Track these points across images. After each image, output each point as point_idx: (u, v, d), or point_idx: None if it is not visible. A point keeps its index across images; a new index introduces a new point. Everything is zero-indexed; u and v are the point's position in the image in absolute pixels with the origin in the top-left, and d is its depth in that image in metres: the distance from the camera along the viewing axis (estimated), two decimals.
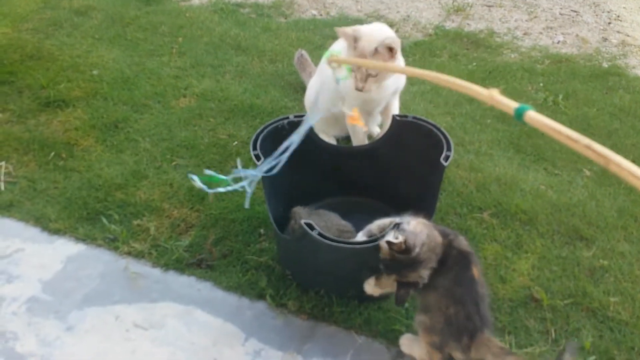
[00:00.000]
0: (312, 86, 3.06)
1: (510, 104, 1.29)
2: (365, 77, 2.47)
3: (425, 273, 1.82)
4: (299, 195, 2.47)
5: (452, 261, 1.86)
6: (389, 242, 1.77)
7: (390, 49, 2.45)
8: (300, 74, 3.52)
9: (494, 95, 1.36)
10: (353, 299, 2.24)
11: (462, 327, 1.81)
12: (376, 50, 2.43)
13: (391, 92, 2.74)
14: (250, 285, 2.31)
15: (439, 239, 1.86)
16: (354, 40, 2.45)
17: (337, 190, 2.64)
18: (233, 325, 2.18)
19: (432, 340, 1.89)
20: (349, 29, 2.47)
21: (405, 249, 1.76)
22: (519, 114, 1.24)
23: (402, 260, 1.79)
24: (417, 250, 1.77)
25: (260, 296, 2.27)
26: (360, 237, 2.16)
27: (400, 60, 2.65)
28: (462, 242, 1.91)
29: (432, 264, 1.83)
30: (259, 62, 3.92)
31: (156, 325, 2.18)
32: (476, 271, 1.86)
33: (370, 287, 2.04)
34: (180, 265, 2.40)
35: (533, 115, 1.21)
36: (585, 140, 1.08)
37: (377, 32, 2.50)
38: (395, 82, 2.72)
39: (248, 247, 2.47)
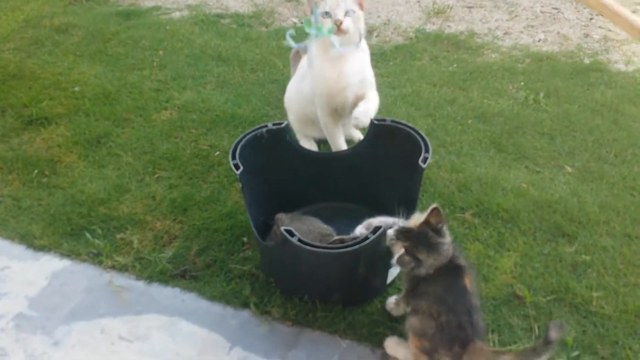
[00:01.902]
0: (291, 87, 3.08)
1: None
2: (344, 13, 2.56)
3: (429, 260, 1.86)
4: (282, 202, 2.49)
5: (444, 270, 1.89)
6: (436, 209, 1.85)
7: None
8: (292, 69, 3.47)
9: None
10: (337, 304, 2.25)
11: (454, 336, 1.82)
12: None
13: (358, 80, 2.71)
14: (234, 294, 2.32)
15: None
16: None
17: (320, 197, 2.66)
18: (218, 334, 2.18)
19: (421, 345, 1.89)
20: None
21: (441, 220, 1.86)
22: None
23: (426, 234, 1.86)
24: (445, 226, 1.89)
25: (245, 304, 2.28)
26: (359, 229, 2.17)
27: (364, 45, 2.77)
28: (459, 256, 1.94)
29: (436, 259, 1.87)
30: (240, 72, 3.93)
31: (141, 337, 2.18)
32: (468, 282, 1.87)
33: (392, 305, 2.17)
34: (164, 277, 2.40)
35: None
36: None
37: None
38: (362, 71, 2.73)
39: (231, 256, 2.48)
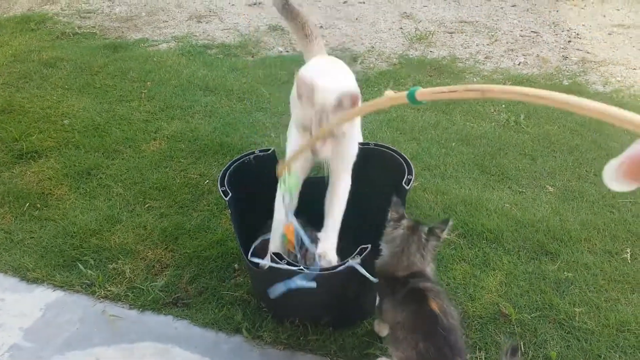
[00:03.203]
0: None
1: (403, 94, 1.39)
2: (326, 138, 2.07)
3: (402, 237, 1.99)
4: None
5: (408, 296, 1.93)
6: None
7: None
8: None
9: (389, 95, 1.48)
10: (327, 327, 2.29)
11: None
12: (339, 103, 2.00)
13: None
14: (227, 320, 2.35)
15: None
16: (311, 91, 2.02)
17: (307, 221, 2.69)
18: None
19: None
20: (307, 78, 2.03)
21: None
22: (412, 97, 1.34)
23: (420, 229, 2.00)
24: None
25: (237, 330, 2.32)
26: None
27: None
28: (420, 280, 1.97)
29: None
30: (227, 101, 4.00)
31: None
32: (435, 305, 1.88)
33: (377, 326, 2.24)
34: (157, 305, 2.44)
35: (422, 91, 1.32)
36: (467, 86, 1.19)
37: (335, 83, 2.13)
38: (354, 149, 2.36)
39: (223, 282, 2.52)
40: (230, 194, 2.29)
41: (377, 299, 2.23)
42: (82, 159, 3.37)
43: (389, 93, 1.51)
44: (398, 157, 2.45)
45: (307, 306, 2.31)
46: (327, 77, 2.19)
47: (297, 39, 2.99)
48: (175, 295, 2.47)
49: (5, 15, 5.69)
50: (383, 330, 2.22)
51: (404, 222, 2.01)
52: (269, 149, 2.55)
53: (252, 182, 2.45)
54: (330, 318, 2.29)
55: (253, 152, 2.53)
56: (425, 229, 1.99)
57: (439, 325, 1.82)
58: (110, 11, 5.86)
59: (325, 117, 2.01)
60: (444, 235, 2.01)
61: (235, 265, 2.59)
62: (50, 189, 3.14)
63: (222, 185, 2.33)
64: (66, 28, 5.39)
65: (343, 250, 2.21)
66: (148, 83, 4.25)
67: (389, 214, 2.04)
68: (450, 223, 2.00)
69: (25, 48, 4.89)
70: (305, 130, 2.08)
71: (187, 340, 2.30)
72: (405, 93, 1.36)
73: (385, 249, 2.04)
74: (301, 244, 2.17)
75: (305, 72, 2.19)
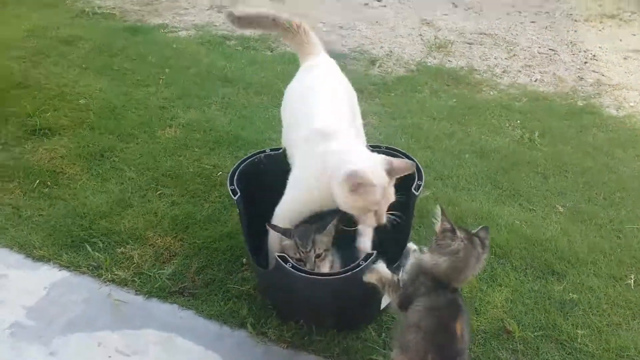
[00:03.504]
0: None
1: None
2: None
3: (459, 251, 1.91)
4: None
5: (444, 307, 1.89)
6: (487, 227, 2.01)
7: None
8: None
9: None
10: (332, 328, 2.29)
11: None
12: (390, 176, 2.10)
13: None
14: (232, 314, 2.36)
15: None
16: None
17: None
18: (214, 352, 2.22)
19: None
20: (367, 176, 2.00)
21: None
22: None
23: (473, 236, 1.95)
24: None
25: (242, 324, 2.32)
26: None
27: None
28: (460, 296, 1.96)
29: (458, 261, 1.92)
30: (244, 94, 4.01)
31: (138, 352, 2.22)
32: (459, 326, 1.87)
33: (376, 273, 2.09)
34: (163, 293, 2.44)
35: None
36: None
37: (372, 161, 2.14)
38: None
39: (230, 276, 2.53)
40: (239, 194, 2.29)
41: (385, 302, 2.23)
42: (96, 140, 3.37)
43: None
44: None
45: (312, 308, 2.32)
46: (367, 162, 2.12)
47: (284, 40, 2.85)
48: (182, 285, 2.48)
49: None
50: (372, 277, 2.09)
51: (460, 234, 1.93)
52: (280, 148, 2.55)
53: (262, 179, 2.45)
54: (334, 321, 2.29)
55: (264, 151, 2.53)
56: (478, 242, 1.95)
57: (454, 346, 1.82)
58: None
59: (387, 194, 2.08)
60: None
61: (244, 260, 2.60)
62: (62, 168, 3.14)
63: (232, 183, 2.33)
64: (86, 7, 5.39)
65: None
66: (166, 69, 4.26)
67: (441, 225, 1.96)
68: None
69: (43, 24, 4.89)
70: (365, 212, 2.10)
71: (191, 330, 2.30)
72: None
73: (440, 258, 1.92)
74: (306, 245, 2.17)
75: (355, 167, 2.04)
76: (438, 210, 1.97)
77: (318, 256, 2.15)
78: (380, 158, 2.13)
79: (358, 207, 2.08)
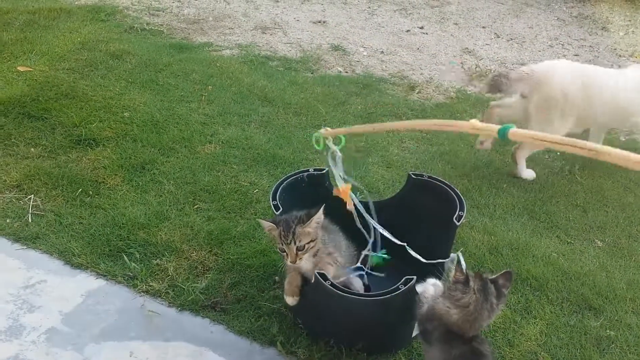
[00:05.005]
0: None
1: (492, 127, 1.43)
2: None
3: (471, 306, 1.86)
4: None
5: (464, 357, 1.88)
6: (509, 272, 1.91)
7: None
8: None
9: (475, 124, 1.50)
10: (362, 352, 2.28)
11: None
12: None
13: None
14: (262, 331, 2.36)
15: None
16: None
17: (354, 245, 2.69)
18: None
19: None
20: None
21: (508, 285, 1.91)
22: (503, 133, 1.37)
23: (488, 285, 1.88)
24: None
25: (271, 342, 2.32)
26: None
27: None
28: (483, 341, 1.93)
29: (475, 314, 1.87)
30: (283, 114, 4.04)
31: None
32: None
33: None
34: (196, 307, 2.46)
35: (515, 131, 1.35)
36: (571, 140, 1.20)
37: None
38: None
39: (262, 293, 2.54)
40: (281, 209, 2.30)
41: (416, 328, 2.21)
42: (138, 152, 3.43)
43: (474, 122, 1.53)
44: (451, 192, 2.44)
45: (343, 328, 2.31)
46: None
47: None
48: (215, 299, 2.49)
49: (77, 3, 5.84)
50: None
51: (473, 285, 1.87)
52: (323, 169, 2.56)
53: (302, 199, 2.44)
54: (365, 343, 2.28)
55: (307, 170, 2.55)
56: (494, 291, 1.88)
57: None
58: (179, 12, 5.98)
59: None
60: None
61: (276, 278, 2.60)
62: (104, 178, 3.20)
63: (274, 199, 2.35)
64: (135, 22, 5.51)
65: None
66: (209, 87, 4.31)
67: (453, 275, 1.93)
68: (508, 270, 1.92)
69: (94, 37, 5.00)
70: None
71: (222, 345, 2.31)
72: (495, 127, 1.39)
73: (451, 309, 1.89)
74: (286, 236, 2.16)
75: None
76: (455, 256, 1.96)
77: (300, 249, 2.15)
78: None
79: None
